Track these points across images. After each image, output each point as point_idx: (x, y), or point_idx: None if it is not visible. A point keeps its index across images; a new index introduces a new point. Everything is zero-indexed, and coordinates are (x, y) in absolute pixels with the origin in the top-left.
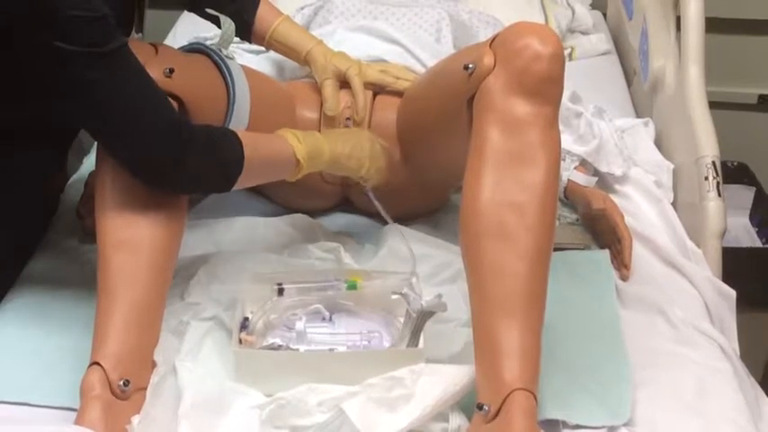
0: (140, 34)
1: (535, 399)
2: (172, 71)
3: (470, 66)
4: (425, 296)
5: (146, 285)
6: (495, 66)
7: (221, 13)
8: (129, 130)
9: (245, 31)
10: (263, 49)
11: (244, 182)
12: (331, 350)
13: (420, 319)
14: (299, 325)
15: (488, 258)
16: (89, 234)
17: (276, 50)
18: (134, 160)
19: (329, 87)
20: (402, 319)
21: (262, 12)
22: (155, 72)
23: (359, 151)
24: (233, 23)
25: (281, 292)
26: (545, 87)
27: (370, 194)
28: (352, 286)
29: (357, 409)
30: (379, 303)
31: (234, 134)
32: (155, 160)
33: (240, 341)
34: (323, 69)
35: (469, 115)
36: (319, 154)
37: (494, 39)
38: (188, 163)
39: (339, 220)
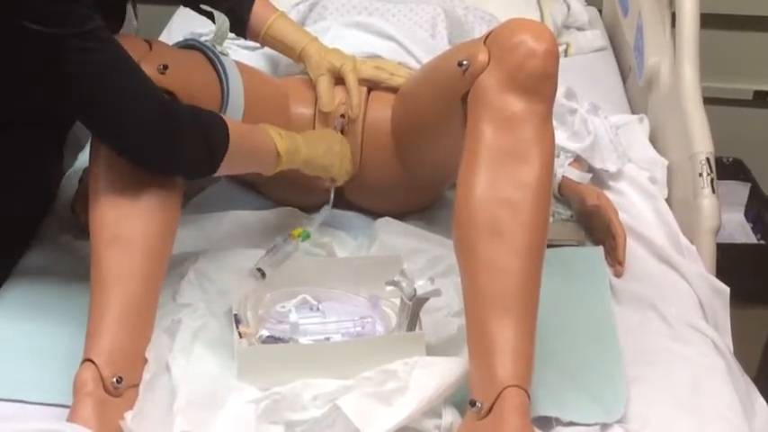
0: (135, 23)
1: (528, 396)
2: (166, 67)
3: (464, 62)
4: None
5: (139, 282)
6: (489, 62)
7: (216, 8)
8: (114, 112)
9: (240, 28)
10: (258, 45)
11: (226, 167)
12: (327, 339)
13: (415, 306)
14: (293, 317)
15: (482, 255)
16: (84, 230)
17: (271, 47)
18: (121, 142)
19: (324, 83)
20: (388, 300)
21: (257, 8)
22: (149, 68)
23: (330, 153)
24: (227, 19)
25: (263, 275)
26: (539, 84)
27: (330, 186)
28: (306, 236)
29: (352, 405)
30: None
31: (220, 118)
32: (143, 142)
33: (240, 335)
34: (317, 66)
35: (464, 112)
36: (297, 151)
37: (488, 35)
38: (176, 144)
39: (333, 215)
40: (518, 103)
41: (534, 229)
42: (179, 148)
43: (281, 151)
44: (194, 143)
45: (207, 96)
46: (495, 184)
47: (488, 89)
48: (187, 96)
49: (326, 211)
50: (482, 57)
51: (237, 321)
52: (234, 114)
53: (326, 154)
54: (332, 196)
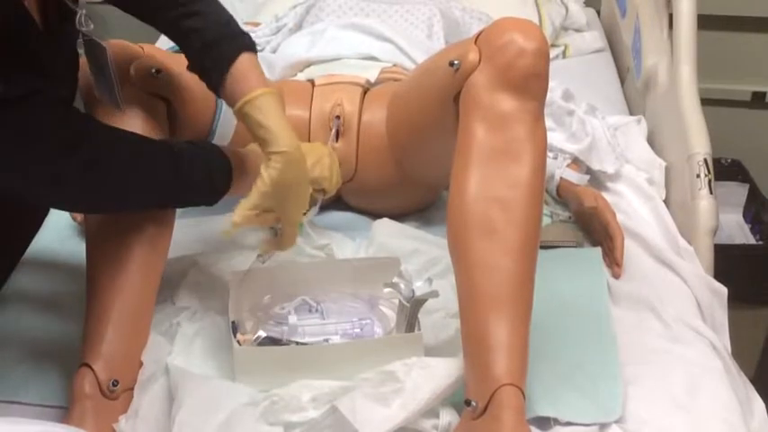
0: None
1: (523, 394)
2: (159, 71)
3: (455, 62)
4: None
5: (135, 287)
6: (479, 62)
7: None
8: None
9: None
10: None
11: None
12: (326, 340)
13: (413, 307)
14: (292, 318)
15: (475, 254)
16: (81, 231)
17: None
18: (131, 209)
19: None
20: (387, 300)
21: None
22: (142, 72)
23: (320, 166)
24: None
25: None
26: (530, 83)
27: (318, 197)
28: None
29: (351, 406)
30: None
31: (221, 153)
32: (151, 206)
33: (239, 343)
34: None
35: (456, 112)
36: None
37: (478, 35)
38: (179, 197)
39: (332, 217)
40: (509, 102)
41: (527, 227)
42: (182, 199)
43: None
44: (196, 191)
45: (200, 100)
46: (487, 183)
47: (479, 88)
48: (180, 100)
49: (313, 212)
50: (473, 56)
51: (235, 330)
52: (228, 117)
53: (316, 168)
54: (319, 201)
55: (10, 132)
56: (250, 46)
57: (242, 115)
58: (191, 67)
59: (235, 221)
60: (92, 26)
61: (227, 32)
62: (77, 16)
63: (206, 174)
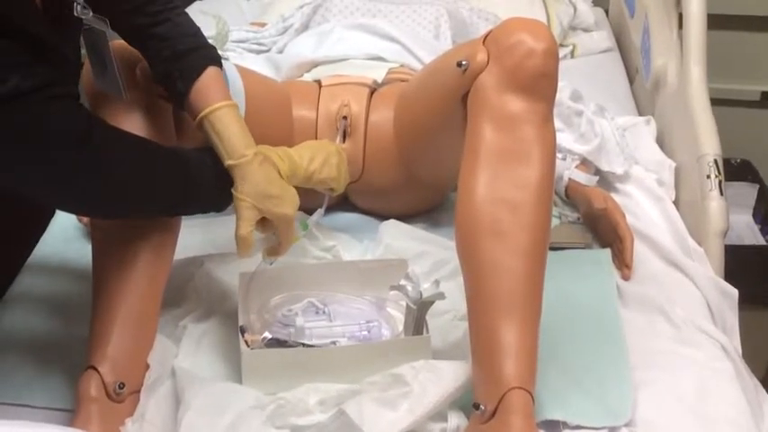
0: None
1: (532, 398)
2: None
3: (464, 63)
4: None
5: (141, 289)
6: (488, 62)
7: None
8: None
9: (179, 99)
10: (263, 47)
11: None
12: (333, 343)
13: (420, 309)
14: (299, 320)
15: (483, 256)
16: (86, 232)
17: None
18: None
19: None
20: (395, 302)
21: (203, 83)
22: (147, 74)
23: (328, 166)
24: (227, 23)
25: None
26: (539, 83)
27: (326, 194)
28: (305, 227)
29: (358, 409)
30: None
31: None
32: (164, 213)
33: (247, 344)
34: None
35: (464, 112)
36: (296, 173)
37: (487, 35)
38: (185, 206)
39: (338, 218)
40: (518, 103)
41: (536, 229)
42: (190, 205)
43: (283, 176)
44: (204, 196)
45: None
46: (495, 184)
47: (488, 89)
48: None
49: (319, 214)
50: (481, 56)
51: (243, 332)
52: None
53: (324, 167)
54: (326, 200)
55: (11, 128)
56: (217, 59)
57: (201, 129)
58: (154, 76)
59: (242, 255)
60: (90, 14)
61: (196, 44)
62: (74, 5)
63: (213, 179)
